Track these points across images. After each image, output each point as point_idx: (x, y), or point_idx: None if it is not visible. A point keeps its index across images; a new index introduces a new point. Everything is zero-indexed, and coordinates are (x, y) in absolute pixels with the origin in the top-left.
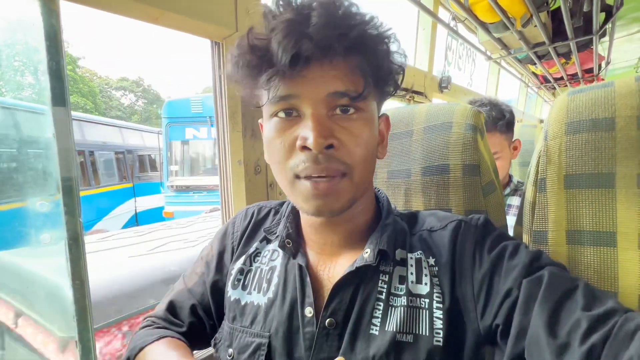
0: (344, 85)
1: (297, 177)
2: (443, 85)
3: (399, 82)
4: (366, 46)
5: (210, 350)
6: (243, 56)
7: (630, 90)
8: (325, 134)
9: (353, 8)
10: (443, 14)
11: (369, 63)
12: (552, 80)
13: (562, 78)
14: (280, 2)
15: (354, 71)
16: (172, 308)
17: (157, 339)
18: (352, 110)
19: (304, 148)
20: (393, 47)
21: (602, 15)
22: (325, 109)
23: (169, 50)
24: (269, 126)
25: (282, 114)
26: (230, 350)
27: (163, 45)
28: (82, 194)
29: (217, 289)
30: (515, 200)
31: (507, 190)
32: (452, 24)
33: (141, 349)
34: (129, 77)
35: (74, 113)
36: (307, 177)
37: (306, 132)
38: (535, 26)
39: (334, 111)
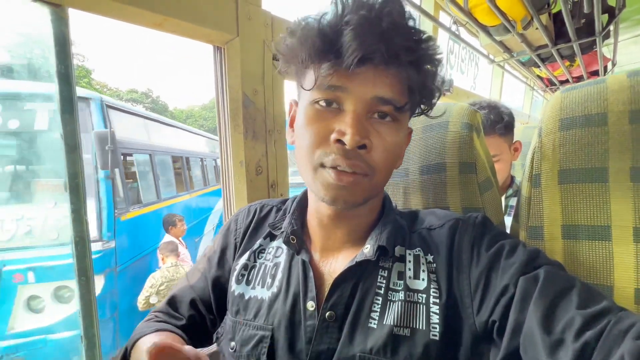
0: (392, 93)
1: (322, 165)
2: (445, 88)
3: (434, 102)
4: (422, 64)
5: (212, 348)
6: (310, 38)
7: (622, 86)
8: (362, 134)
9: (411, 21)
10: (444, 18)
11: (417, 79)
12: (557, 83)
13: (567, 81)
14: None
15: (401, 83)
16: (172, 302)
17: (153, 332)
18: (388, 118)
19: (338, 141)
20: (440, 70)
21: (605, 16)
22: (365, 110)
23: (177, 62)
24: (305, 111)
25: (322, 103)
26: (233, 343)
27: (171, 58)
28: (201, 192)
29: (218, 285)
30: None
31: (510, 192)
32: (453, 27)
33: (137, 340)
34: (138, 88)
35: (197, 129)
36: (333, 168)
37: (344, 127)
38: (537, 29)
39: (373, 114)
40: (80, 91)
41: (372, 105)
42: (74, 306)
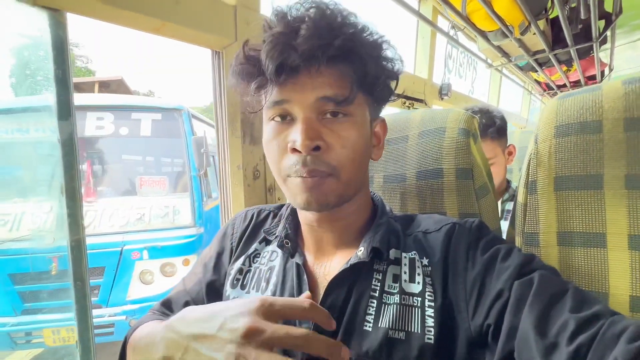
0: (332, 90)
1: (289, 176)
2: (443, 92)
3: (393, 87)
4: (351, 54)
5: None
6: (239, 65)
7: (617, 94)
8: (312, 137)
9: (346, 19)
10: (442, 22)
11: (355, 70)
12: (554, 87)
13: (564, 85)
14: (276, 15)
15: (340, 77)
16: (167, 303)
17: (151, 321)
18: (340, 115)
19: (294, 150)
20: (388, 53)
21: (602, 22)
22: (314, 113)
23: (178, 63)
24: (266, 129)
25: (277, 118)
26: None
27: (173, 59)
28: None
29: (213, 289)
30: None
31: (506, 196)
32: (451, 32)
33: (135, 329)
34: (140, 90)
35: None
36: (297, 177)
37: (296, 135)
38: (534, 34)
39: (324, 115)
40: (171, 102)
41: (319, 106)
42: (176, 280)
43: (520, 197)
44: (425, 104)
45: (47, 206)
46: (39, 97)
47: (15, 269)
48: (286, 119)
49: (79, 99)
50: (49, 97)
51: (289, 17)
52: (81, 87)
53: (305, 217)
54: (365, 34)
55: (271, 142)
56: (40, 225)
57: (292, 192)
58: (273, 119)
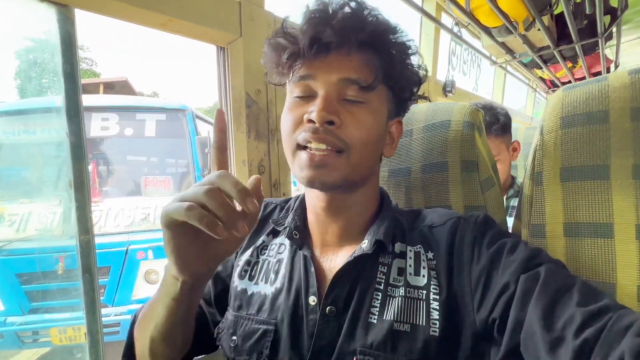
0: (356, 74)
1: (299, 146)
2: (447, 89)
3: (415, 90)
4: (380, 44)
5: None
6: (275, 38)
7: (624, 84)
8: (329, 110)
9: (380, 15)
10: (446, 19)
11: (382, 60)
12: (559, 84)
13: (569, 82)
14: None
15: (367, 64)
16: None
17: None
18: (360, 100)
19: (309, 121)
20: (413, 58)
21: (607, 18)
22: (335, 93)
23: (181, 63)
24: (287, 103)
25: (300, 94)
26: (234, 337)
27: (176, 60)
28: None
29: (219, 279)
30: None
31: (511, 192)
32: (455, 29)
33: (138, 313)
34: (144, 91)
35: None
36: (305, 147)
37: (313, 107)
38: (539, 30)
39: (344, 97)
40: (175, 103)
41: (341, 87)
42: None
43: (526, 189)
44: (429, 101)
45: (53, 205)
46: (45, 98)
47: (22, 269)
48: (307, 95)
49: (84, 99)
50: (55, 99)
51: (330, 1)
52: (86, 89)
53: (314, 206)
54: (394, 32)
55: (288, 114)
56: (47, 225)
57: (299, 165)
58: (295, 94)
